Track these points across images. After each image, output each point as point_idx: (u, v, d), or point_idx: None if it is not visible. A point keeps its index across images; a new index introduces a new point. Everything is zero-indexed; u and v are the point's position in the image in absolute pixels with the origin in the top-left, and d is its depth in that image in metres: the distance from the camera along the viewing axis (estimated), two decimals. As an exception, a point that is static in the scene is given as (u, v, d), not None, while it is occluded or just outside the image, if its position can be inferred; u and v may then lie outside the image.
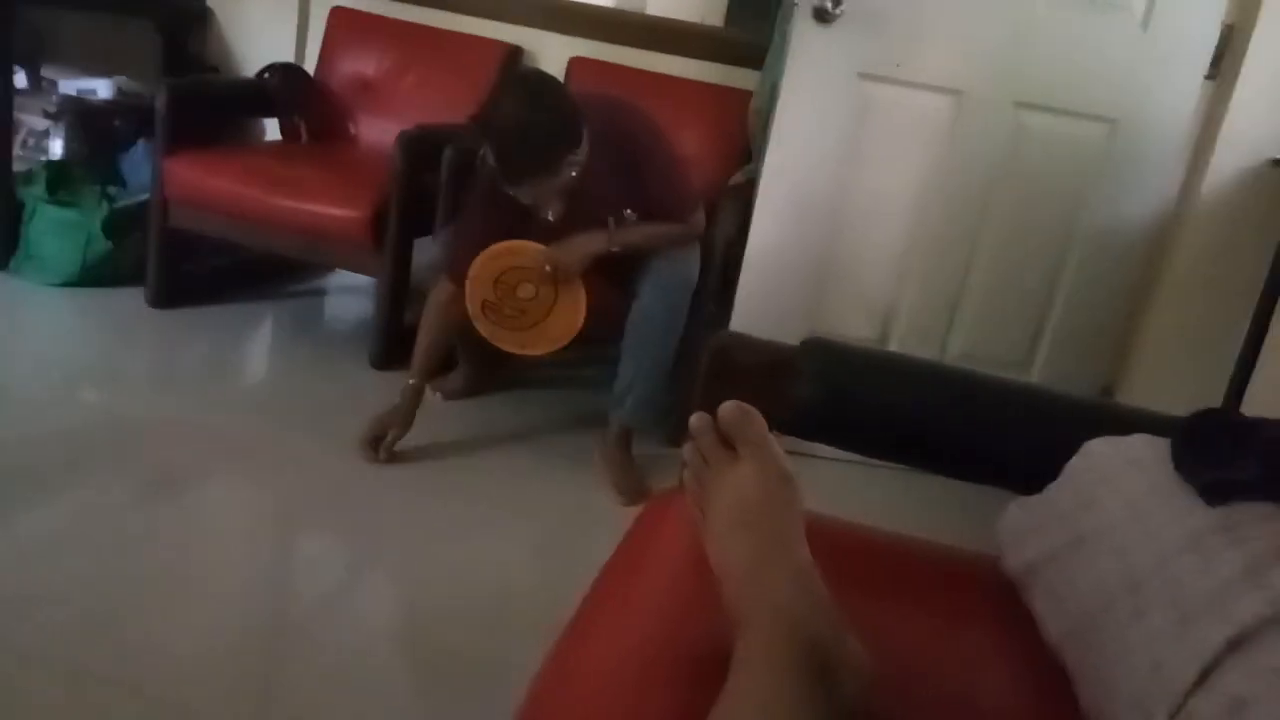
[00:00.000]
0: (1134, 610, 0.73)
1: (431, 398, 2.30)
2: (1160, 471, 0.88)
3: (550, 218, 2.01)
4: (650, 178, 2.07)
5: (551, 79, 2.04)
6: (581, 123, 1.94)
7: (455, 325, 2.13)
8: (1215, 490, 0.80)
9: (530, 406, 2.51)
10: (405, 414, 2.08)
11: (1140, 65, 2.17)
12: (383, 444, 2.06)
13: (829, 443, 1.14)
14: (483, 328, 2.05)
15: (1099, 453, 0.97)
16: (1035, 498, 1.00)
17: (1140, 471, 0.89)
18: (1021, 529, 0.98)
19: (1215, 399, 2.24)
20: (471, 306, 2.03)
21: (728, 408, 0.79)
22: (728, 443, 0.79)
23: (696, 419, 0.81)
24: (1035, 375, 2.38)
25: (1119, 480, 0.90)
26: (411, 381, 2.09)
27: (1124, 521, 0.83)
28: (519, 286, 2.03)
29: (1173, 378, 2.34)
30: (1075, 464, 0.98)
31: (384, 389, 2.36)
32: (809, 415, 1.12)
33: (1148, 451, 0.92)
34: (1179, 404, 2.19)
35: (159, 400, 2.25)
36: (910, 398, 1.11)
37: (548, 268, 1.99)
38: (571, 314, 2.03)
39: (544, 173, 1.90)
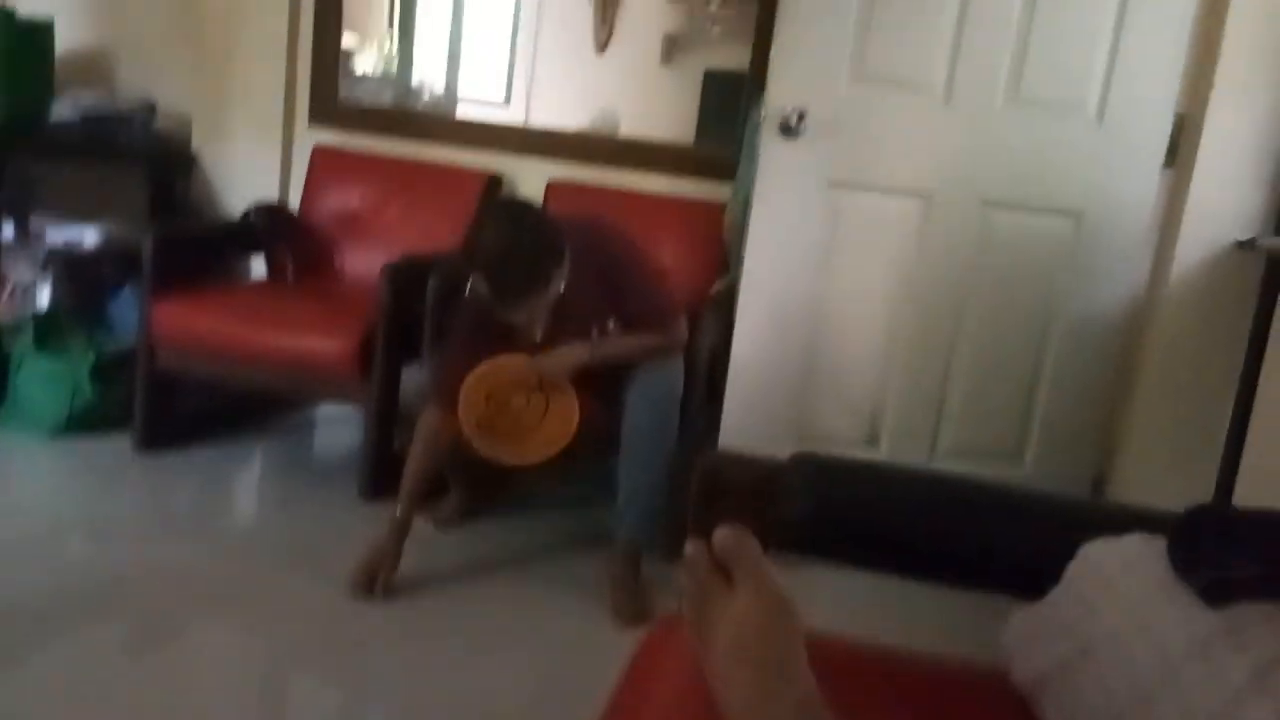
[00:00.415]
0: (1147, 726, 0.71)
1: (424, 526, 2.28)
2: (1159, 573, 0.87)
3: (536, 338, 2.06)
4: (629, 292, 2.12)
5: (527, 203, 2.12)
6: (563, 239, 1.99)
7: (445, 451, 2.14)
8: (1215, 592, 0.79)
9: (524, 530, 2.48)
10: (393, 549, 2.06)
11: (1099, 159, 2.24)
12: (377, 583, 2.02)
13: (825, 558, 1.13)
14: (481, 446, 2.05)
15: (1096, 556, 0.96)
16: (1038, 605, 0.99)
17: (1139, 575, 0.89)
18: (1027, 638, 0.97)
19: (1208, 481, 2.25)
20: (467, 427, 2.04)
21: (722, 535, 0.78)
22: (724, 570, 0.78)
23: (690, 548, 0.80)
24: (1027, 467, 2.38)
25: (1119, 585, 0.89)
26: (398, 514, 2.07)
27: (1128, 630, 0.82)
28: (510, 400, 2.06)
29: (1164, 462, 2.34)
30: (1074, 569, 0.97)
31: (374, 521, 2.33)
32: (803, 531, 1.11)
33: (1145, 552, 0.92)
34: (1172, 489, 2.20)
35: (146, 548, 2.21)
36: (903, 508, 1.11)
37: (532, 379, 2.03)
38: (566, 413, 2.05)
39: (535, 291, 1.95)
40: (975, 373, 2.35)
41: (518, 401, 2.06)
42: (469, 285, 2.08)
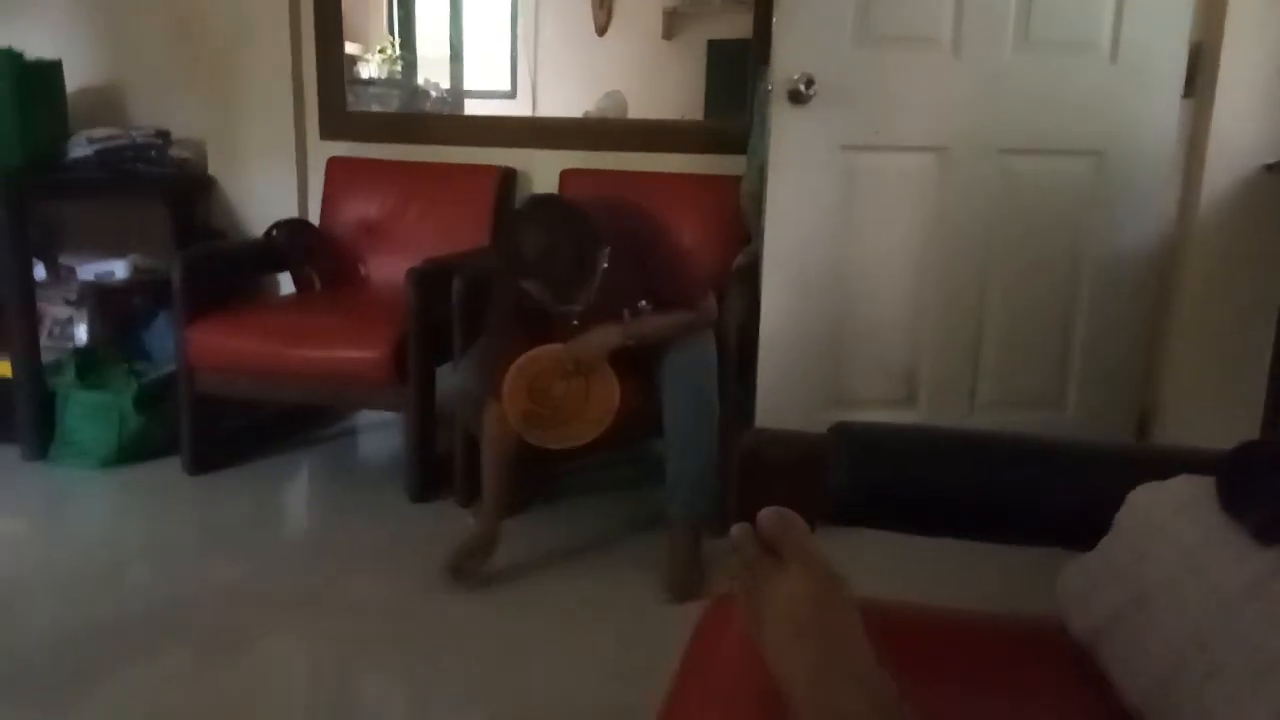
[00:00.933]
0: (1206, 670, 0.72)
1: (467, 525, 2.32)
2: (1210, 514, 0.87)
3: (574, 319, 2.09)
4: (658, 270, 2.14)
5: (550, 198, 2.12)
6: (593, 222, 1.99)
7: (514, 443, 2.14)
8: (1269, 529, 0.79)
9: (579, 519, 2.51)
10: (486, 542, 2.12)
11: (1115, 96, 2.21)
12: (465, 573, 2.08)
13: (870, 526, 1.14)
14: (532, 437, 2.09)
15: (1145, 502, 0.96)
16: (1090, 555, 0.99)
17: (1189, 518, 0.89)
18: (1082, 590, 0.97)
19: (1254, 409, 2.22)
20: (515, 422, 2.07)
21: (766, 516, 0.79)
22: (772, 550, 0.79)
23: (737, 530, 0.81)
24: (1069, 412, 2.36)
25: (1170, 530, 0.89)
26: (488, 511, 2.14)
27: (1183, 574, 0.82)
28: (551, 387, 2.08)
29: (1208, 395, 2.32)
30: (1123, 516, 0.97)
31: (426, 521, 2.39)
32: (846, 502, 1.12)
33: (1193, 494, 0.92)
34: (1218, 422, 2.18)
35: (206, 566, 2.26)
36: (945, 470, 1.11)
37: (569, 365, 2.06)
38: (607, 394, 2.08)
39: (587, 280, 1.97)
40: (1008, 323, 2.34)
41: (558, 388, 2.09)
42: (495, 277, 2.14)
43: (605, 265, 2.01)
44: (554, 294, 1.96)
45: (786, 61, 2.19)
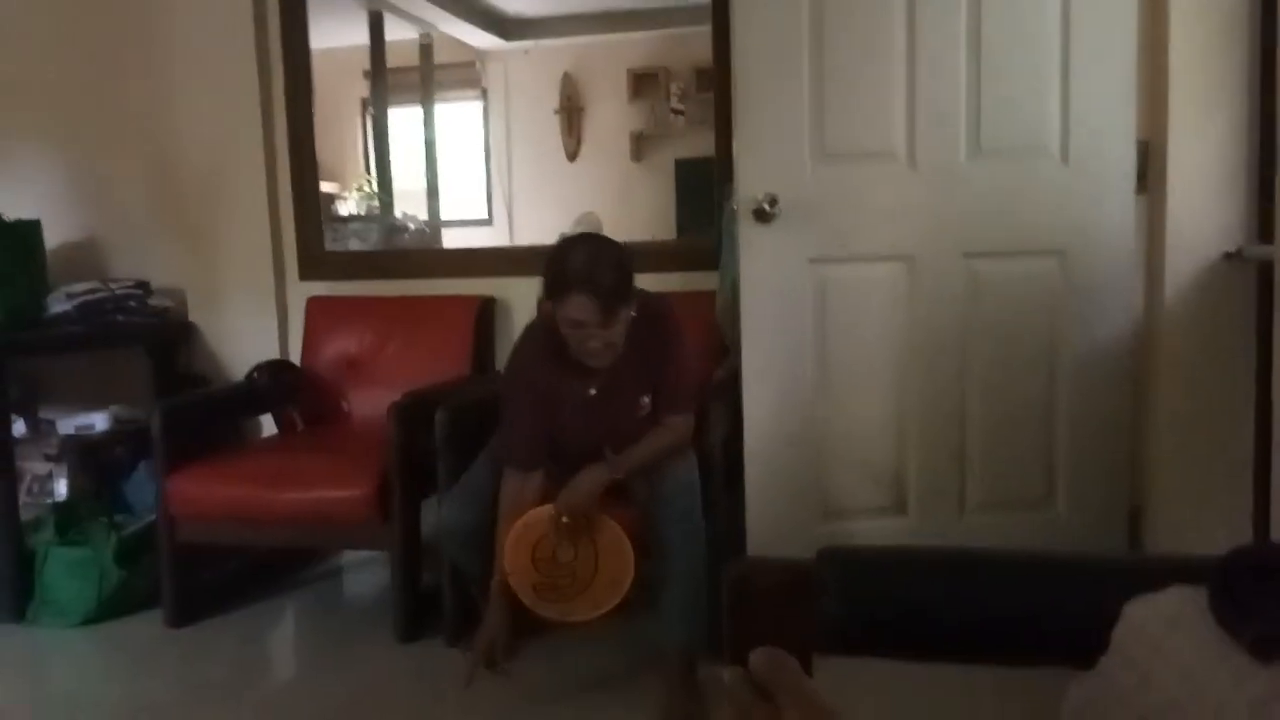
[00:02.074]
0: (1220, 805, 0.69)
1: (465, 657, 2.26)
2: (1205, 629, 0.86)
3: (592, 391, 2.12)
4: (668, 363, 2.18)
5: (589, 233, 2.23)
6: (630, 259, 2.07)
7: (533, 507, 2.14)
8: (1264, 647, 0.77)
9: (562, 651, 2.44)
10: (502, 617, 2.06)
11: (1071, 196, 2.27)
12: (498, 660, 2.05)
13: (864, 654, 1.11)
14: (550, 611, 2.05)
15: (1140, 617, 0.94)
16: (1091, 676, 0.97)
17: (1185, 633, 0.87)
18: (1087, 714, 0.95)
19: (1244, 496, 2.22)
20: (526, 599, 2.03)
21: (757, 658, 0.77)
22: (765, 693, 0.77)
23: (728, 675, 0.79)
24: (1060, 511, 2.34)
25: (1167, 648, 0.87)
26: (499, 577, 2.07)
27: (1185, 698, 0.80)
28: (555, 553, 2.04)
29: (1197, 484, 2.31)
30: (1120, 633, 0.95)
31: (413, 662, 2.31)
32: (840, 630, 1.10)
33: (1187, 607, 0.90)
34: (1209, 511, 2.16)
35: (190, 726, 2.18)
36: (936, 592, 1.09)
37: (564, 519, 2.01)
38: (619, 552, 2.04)
39: (626, 294, 2.00)
40: (991, 424, 2.34)
41: (565, 553, 2.05)
42: (522, 340, 2.24)
43: (633, 312, 2.04)
44: (600, 303, 1.95)
45: (749, 182, 2.25)
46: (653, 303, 2.19)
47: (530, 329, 2.27)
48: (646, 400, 2.20)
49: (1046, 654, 1.06)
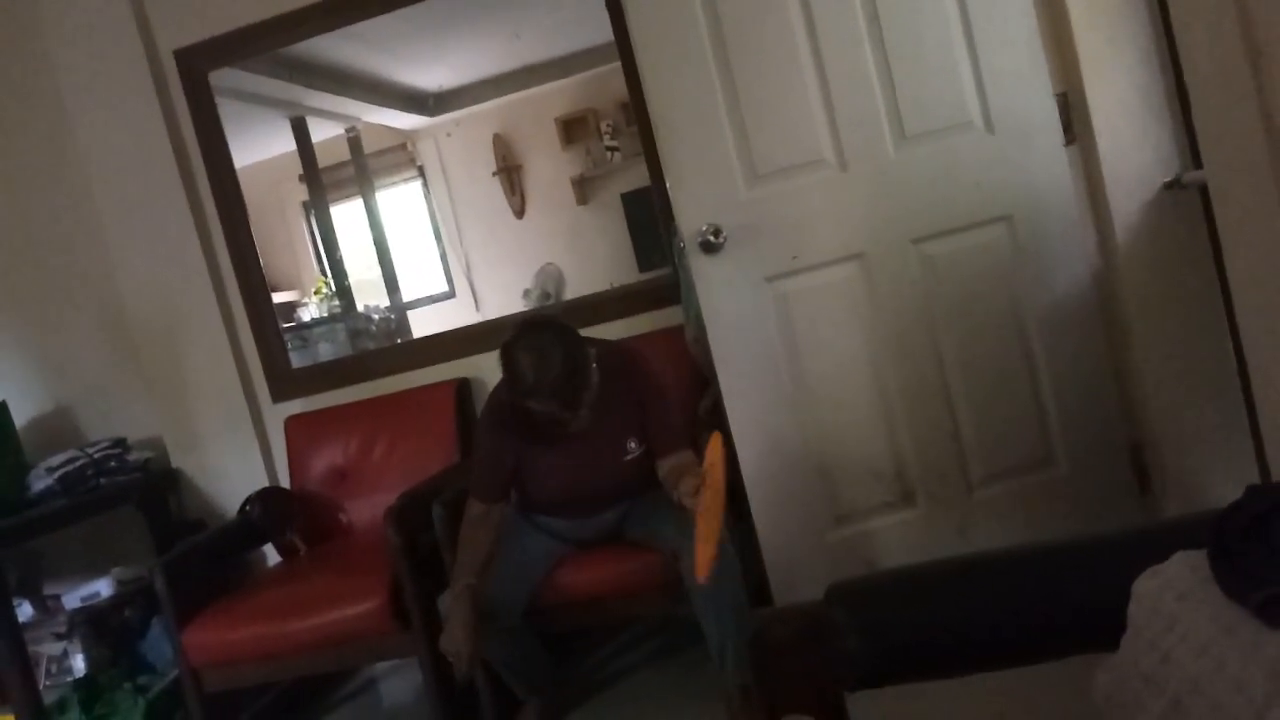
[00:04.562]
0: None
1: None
2: (1213, 599, 0.85)
3: (566, 442, 2.19)
4: (653, 405, 2.24)
5: (541, 323, 2.16)
6: (576, 333, 2.14)
7: (495, 532, 2.24)
8: (1272, 611, 0.77)
9: (614, 710, 2.42)
10: (466, 617, 2.09)
11: (1004, 162, 2.28)
12: (462, 662, 2.09)
13: (891, 683, 1.10)
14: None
15: (1150, 593, 0.94)
16: (1116, 659, 0.96)
17: (1196, 606, 0.87)
18: (1119, 701, 0.94)
19: (1237, 409, 2.23)
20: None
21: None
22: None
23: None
24: (1063, 466, 2.34)
25: (1182, 623, 0.86)
26: (464, 583, 2.13)
27: (1207, 673, 0.80)
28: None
29: (1189, 407, 2.31)
30: (1134, 612, 0.95)
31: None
32: (862, 665, 1.09)
33: (1193, 577, 0.90)
34: (1209, 431, 2.15)
35: None
36: (949, 604, 1.09)
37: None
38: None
39: (583, 381, 2.08)
40: (977, 399, 2.34)
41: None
42: (492, 397, 2.33)
43: (597, 378, 2.11)
44: (559, 402, 2.04)
45: (690, 216, 2.27)
46: (614, 352, 2.25)
47: (492, 399, 2.33)
48: (633, 444, 2.24)
49: (1069, 644, 1.06)
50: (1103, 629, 1.00)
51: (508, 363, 2.08)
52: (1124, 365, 2.39)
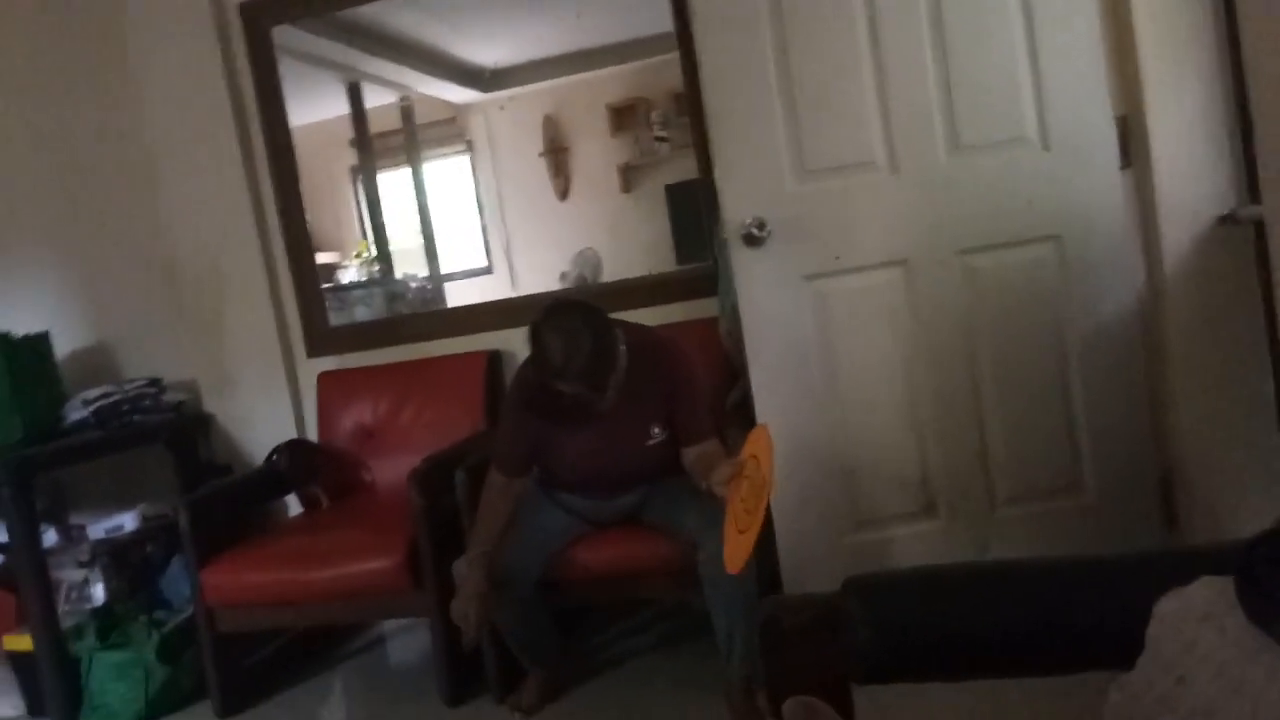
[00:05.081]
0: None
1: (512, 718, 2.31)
2: (1236, 624, 0.85)
3: (591, 423, 2.17)
4: (681, 393, 2.23)
5: (564, 306, 2.17)
6: (606, 317, 2.14)
7: (512, 505, 2.28)
8: (1294, 638, 0.77)
9: (616, 692, 2.43)
10: (479, 584, 2.14)
11: (1057, 181, 2.26)
12: (470, 627, 2.14)
13: (901, 680, 1.10)
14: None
15: (1172, 614, 0.93)
16: (1130, 678, 0.96)
17: (1217, 628, 0.86)
18: (1130, 718, 0.94)
19: (1272, 447, 2.20)
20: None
21: (791, 708, 0.78)
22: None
23: (764, 726, 0.80)
24: (1090, 492, 2.33)
25: (1201, 646, 0.86)
26: (480, 550, 2.18)
27: (1223, 696, 0.80)
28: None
29: (1221, 441, 2.28)
30: (1154, 632, 0.95)
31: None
32: (873, 659, 1.09)
33: (1217, 600, 0.89)
34: (1238, 467, 2.12)
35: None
36: (965, 611, 1.09)
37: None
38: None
39: (610, 365, 2.08)
40: (1009, 416, 2.33)
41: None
42: (517, 376, 2.34)
43: (625, 361, 2.10)
44: (586, 385, 2.05)
45: (735, 208, 2.27)
46: (644, 337, 2.23)
47: (518, 378, 2.32)
48: (657, 430, 2.24)
49: (1083, 660, 1.06)
50: (1119, 647, 0.99)
51: (536, 343, 2.09)
52: (1160, 395, 2.37)
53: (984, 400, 2.32)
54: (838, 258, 2.29)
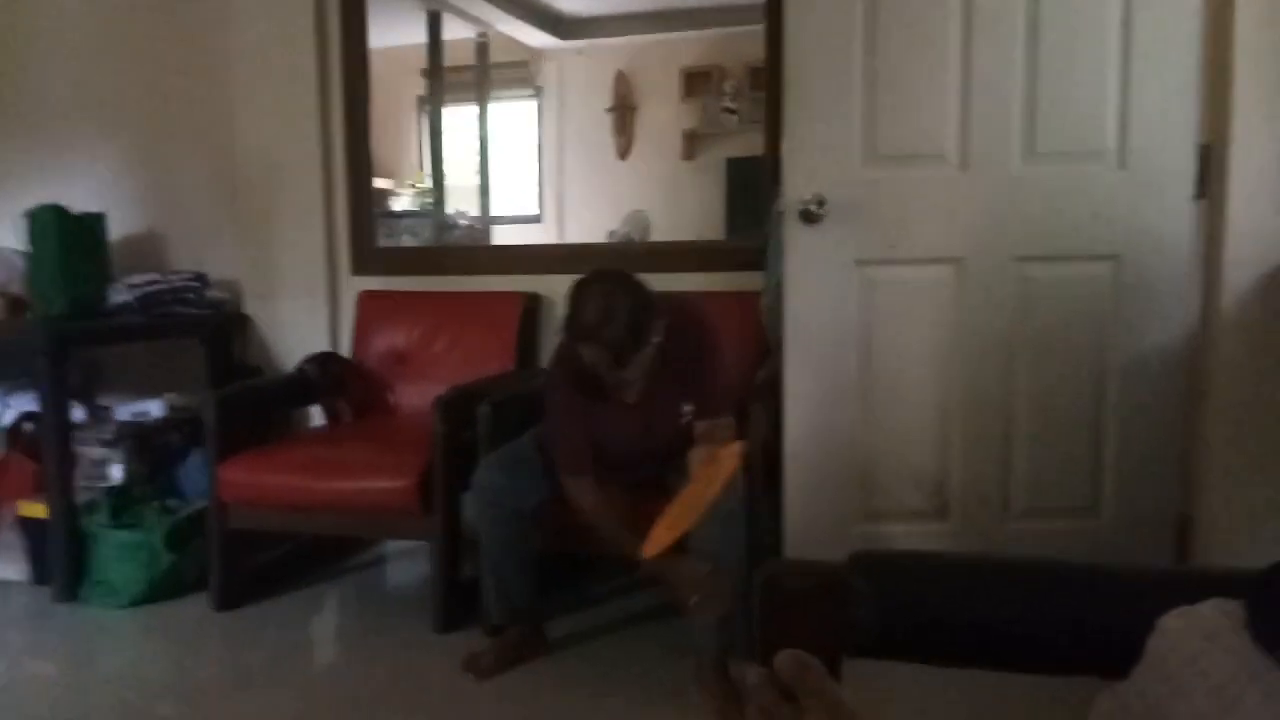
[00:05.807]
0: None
1: (465, 679, 2.26)
2: (1241, 644, 0.83)
3: (630, 400, 2.16)
4: (708, 370, 2.19)
5: (613, 272, 2.15)
6: (651, 294, 2.10)
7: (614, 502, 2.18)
8: (1301, 664, 0.75)
9: (601, 648, 2.45)
10: (682, 565, 2.00)
11: (1127, 201, 2.22)
12: (696, 603, 2.00)
13: (895, 658, 1.10)
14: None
15: (1175, 629, 0.92)
16: (1122, 687, 0.94)
17: (1221, 648, 0.85)
18: (1117, 725, 0.93)
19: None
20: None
21: (783, 660, 0.77)
22: (790, 695, 0.77)
23: (753, 675, 0.79)
24: (1105, 519, 2.30)
25: (1202, 661, 0.85)
26: (637, 548, 1.94)
27: (1215, 712, 0.78)
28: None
29: (1248, 493, 2.23)
30: (1154, 644, 0.93)
31: (451, 652, 2.34)
32: (870, 633, 1.09)
33: (1223, 622, 0.88)
34: (1260, 521, 2.08)
35: (232, 704, 2.24)
36: (969, 598, 1.08)
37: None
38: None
39: (640, 344, 2.05)
40: (1037, 429, 2.30)
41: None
42: (553, 363, 2.28)
43: (659, 339, 2.07)
44: (611, 357, 2.03)
45: (797, 183, 2.24)
46: (685, 311, 2.19)
47: (560, 352, 2.27)
48: (688, 408, 2.20)
49: (1079, 663, 1.04)
50: (1119, 656, 0.98)
51: (574, 301, 2.07)
52: (1193, 433, 2.32)
53: (1014, 410, 2.29)
54: (893, 246, 2.26)
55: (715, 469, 1.95)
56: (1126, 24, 2.18)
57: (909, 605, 1.10)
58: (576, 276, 2.99)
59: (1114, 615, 1.02)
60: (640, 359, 2.07)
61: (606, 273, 2.13)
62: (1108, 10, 2.18)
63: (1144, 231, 2.23)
